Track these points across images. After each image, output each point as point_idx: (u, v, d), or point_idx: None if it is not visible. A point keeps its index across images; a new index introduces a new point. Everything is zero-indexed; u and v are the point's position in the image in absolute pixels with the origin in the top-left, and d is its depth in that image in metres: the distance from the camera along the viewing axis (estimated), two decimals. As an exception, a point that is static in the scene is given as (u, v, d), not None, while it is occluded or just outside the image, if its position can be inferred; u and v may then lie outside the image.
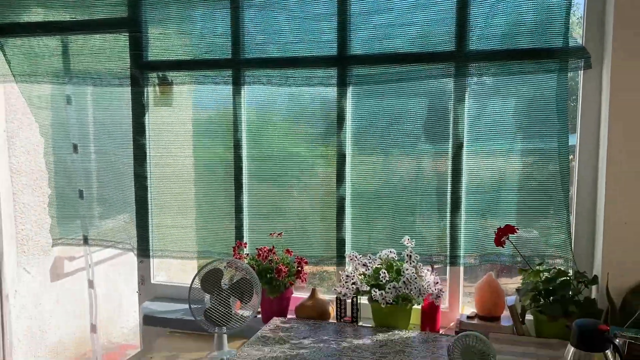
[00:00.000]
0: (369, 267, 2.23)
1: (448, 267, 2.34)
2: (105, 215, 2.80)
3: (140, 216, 2.64)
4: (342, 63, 2.31)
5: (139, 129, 2.60)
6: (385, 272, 2.17)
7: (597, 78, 2.11)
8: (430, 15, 2.21)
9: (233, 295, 2.06)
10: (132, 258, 3.82)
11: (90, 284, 3.19)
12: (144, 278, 2.73)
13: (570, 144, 2.16)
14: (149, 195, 2.64)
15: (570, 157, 2.17)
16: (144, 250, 2.66)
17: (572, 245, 2.16)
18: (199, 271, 2.08)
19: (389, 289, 2.13)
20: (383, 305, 2.13)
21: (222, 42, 2.45)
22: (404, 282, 2.13)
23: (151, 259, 2.71)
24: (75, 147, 2.76)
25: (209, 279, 2.05)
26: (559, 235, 2.17)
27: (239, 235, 2.54)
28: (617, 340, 1.55)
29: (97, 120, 2.71)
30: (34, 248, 3.21)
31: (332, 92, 2.35)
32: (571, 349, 1.56)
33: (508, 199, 2.25)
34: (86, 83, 2.67)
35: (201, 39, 2.50)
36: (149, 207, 2.64)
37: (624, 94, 2.01)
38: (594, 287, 2.12)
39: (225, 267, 2.13)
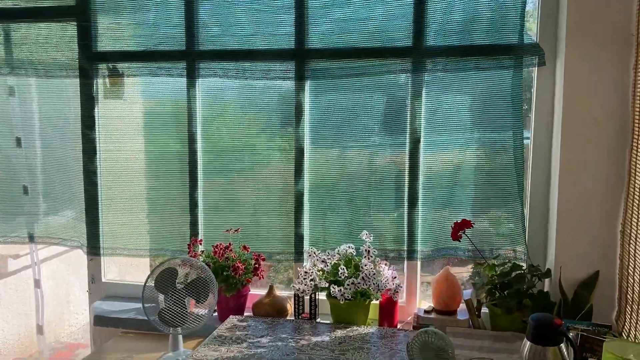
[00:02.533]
0: (328, 264, 2.21)
1: (405, 262, 2.35)
2: (51, 211, 2.69)
3: (90, 213, 2.55)
4: (300, 56, 2.28)
5: (88, 123, 2.50)
6: (344, 267, 2.16)
7: (551, 74, 2.15)
8: (388, 10, 2.21)
9: (188, 295, 2.00)
10: (80, 254, 3.69)
11: (37, 284, 3.07)
12: (94, 277, 2.64)
13: (524, 137, 2.20)
14: (99, 191, 2.54)
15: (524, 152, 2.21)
16: (94, 248, 2.57)
17: (527, 239, 2.20)
18: (152, 271, 2.02)
19: (348, 285, 2.12)
20: (342, 302, 2.13)
21: (176, 33, 2.38)
22: (362, 277, 2.12)
23: (102, 257, 2.61)
24: (18, 140, 2.63)
25: (163, 278, 2.00)
26: (510, 226, 2.21)
27: (194, 232, 2.48)
28: (570, 334, 1.58)
29: (43, 113, 2.59)
30: (-26, 246, 3.05)
31: (289, 85, 2.32)
32: (527, 343, 1.59)
33: (464, 193, 2.27)
34: (30, 74, 2.55)
35: (154, 30, 2.41)
36: (99, 203, 2.55)
37: (577, 90, 2.04)
38: (547, 281, 2.17)
39: (180, 265, 2.07)
